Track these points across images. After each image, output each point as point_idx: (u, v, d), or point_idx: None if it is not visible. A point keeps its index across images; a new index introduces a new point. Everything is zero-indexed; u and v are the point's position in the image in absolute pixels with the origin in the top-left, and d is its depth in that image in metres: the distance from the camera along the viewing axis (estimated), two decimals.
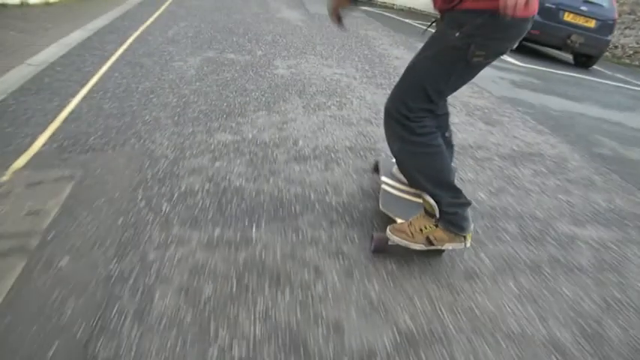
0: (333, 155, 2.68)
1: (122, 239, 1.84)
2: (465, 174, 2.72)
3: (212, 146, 2.65)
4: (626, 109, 5.63)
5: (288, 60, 4.88)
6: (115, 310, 1.49)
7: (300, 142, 2.79)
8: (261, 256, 1.79)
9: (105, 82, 3.72)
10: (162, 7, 7.95)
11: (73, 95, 3.36)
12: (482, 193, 2.53)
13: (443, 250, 1.90)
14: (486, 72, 5.51)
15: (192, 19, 6.97)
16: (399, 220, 1.91)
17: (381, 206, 2.02)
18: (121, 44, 5.07)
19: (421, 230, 1.76)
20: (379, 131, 3.13)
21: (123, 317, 1.46)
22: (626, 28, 12.41)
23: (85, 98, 3.32)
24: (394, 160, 2.05)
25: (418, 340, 1.51)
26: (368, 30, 7.44)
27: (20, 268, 1.65)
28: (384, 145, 2.91)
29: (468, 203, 1.75)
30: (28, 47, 4.79)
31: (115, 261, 1.72)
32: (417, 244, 1.78)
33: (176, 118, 3.03)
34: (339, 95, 3.81)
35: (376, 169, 2.47)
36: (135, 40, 5.28)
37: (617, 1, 10.80)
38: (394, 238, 1.81)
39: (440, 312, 1.64)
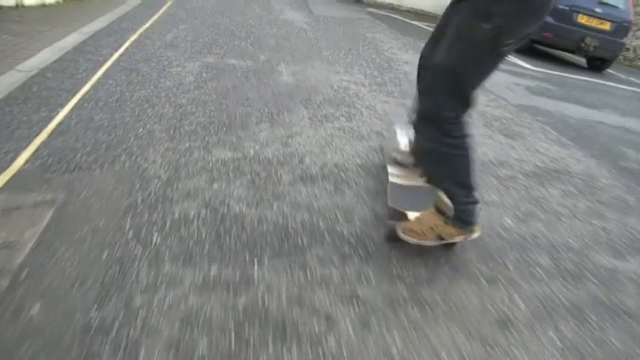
0: (343, 175, 2.46)
1: (105, 278, 1.62)
2: (488, 195, 2.49)
3: (210, 164, 2.43)
4: None
5: (292, 65, 4.66)
6: None
7: (307, 160, 2.57)
8: (263, 301, 1.57)
9: (98, 90, 3.50)
10: (162, 9, 7.74)
11: (63, 105, 3.15)
12: (509, 219, 2.30)
13: (454, 243, 1.91)
14: (501, 78, 5.28)
15: (192, 21, 6.76)
16: (410, 215, 1.92)
17: (389, 202, 2.02)
18: (117, 48, 4.86)
19: (432, 228, 1.80)
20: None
21: None
22: (638, 30, 12.15)
23: (75, 108, 3.11)
24: (397, 139, 2.22)
25: None
26: (375, 33, 7.21)
27: None
28: None
29: (477, 202, 1.81)
30: (20, 51, 4.58)
31: (95, 307, 1.50)
32: (428, 241, 1.83)
33: (172, 131, 2.81)
34: (348, 105, 3.58)
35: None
36: (132, 44, 5.08)
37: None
38: (405, 238, 1.84)
39: None
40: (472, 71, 1.61)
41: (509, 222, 2.28)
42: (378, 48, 6.08)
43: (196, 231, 1.91)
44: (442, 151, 1.71)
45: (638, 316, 1.78)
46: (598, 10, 7.95)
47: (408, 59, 5.53)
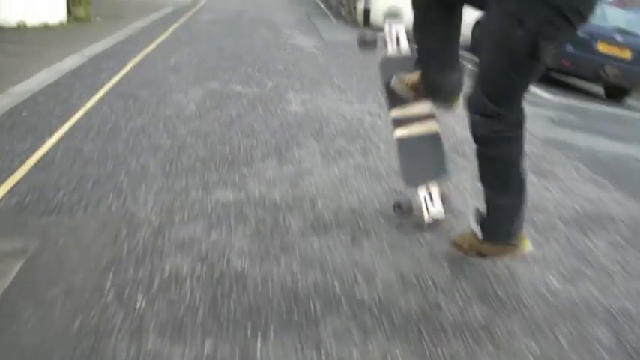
0: (361, 223, 2.18)
1: (74, 356, 1.34)
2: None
3: (209, 208, 2.16)
4: None
5: (302, 93, 4.44)
6: None
7: (319, 204, 2.29)
8: None
9: (91, 117, 3.28)
10: (168, 32, 7.64)
11: (51, 134, 2.91)
12: (555, 279, 2.00)
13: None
14: None
15: (197, 44, 6.62)
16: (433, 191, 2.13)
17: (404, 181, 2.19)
18: (117, 72, 4.67)
19: (471, 246, 1.92)
20: None
21: None
22: None
23: (63, 138, 2.87)
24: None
25: None
26: None
27: None
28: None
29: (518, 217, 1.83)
30: (15, 73, 4.40)
31: None
32: (471, 256, 1.95)
33: (168, 166, 2.56)
34: (363, 138, 3.32)
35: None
36: (133, 68, 4.89)
37: None
38: (455, 250, 1.97)
39: None
40: (515, 75, 1.60)
41: (555, 282, 1.98)
42: None
43: (189, 293, 1.62)
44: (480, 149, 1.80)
45: None
46: (618, 38, 7.76)
47: None
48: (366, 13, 12.52)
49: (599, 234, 2.50)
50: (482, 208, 1.90)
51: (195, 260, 1.80)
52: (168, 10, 11.11)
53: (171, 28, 8.14)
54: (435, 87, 2.12)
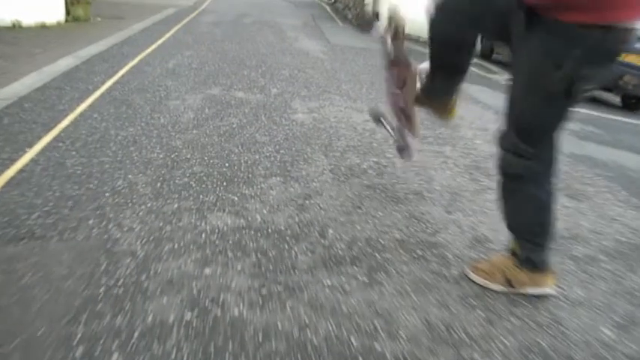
0: (378, 256, 1.90)
1: None
2: (569, 287, 1.91)
3: (203, 236, 1.89)
4: None
5: (308, 101, 4.17)
6: None
7: (330, 232, 2.01)
8: None
9: (78, 126, 3.02)
10: (168, 34, 7.40)
11: (32, 144, 2.65)
12: (607, 328, 1.72)
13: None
14: None
15: (199, 47, 6.38)
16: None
17: None
18: (111, 75, 4.42)
19: (502, 270, 1.79)
20: (436, 212, 2.35)
21: None
22: None
23: (45, 149, 2.61)
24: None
25: None
26: None
27: None
28: (446, 236, 2.13)
29: (549, 246, 1.77)
30: (2, 76, 4.16)
31: None
32: (495, 284, 1.79)
33: (159, 184, 2.29)
34: (376, 153, 3.05)
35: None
36: (129, 71, 4.65)
37: None
38: (473, 277, 1.83)
39: None
40: (550, 115, 1.59)
41: (609, 333, 1.70)
42: None
43: (175, 349, 1.35)
44: (510, 184, 1.74)
45: None
46: (638, 46, 7.49)
47: None
48: (374, 16, 12.30)
49: None
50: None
51: (184, 303, 1.52)
52: (170, 11, 10.90)
53: (173, 30, 7.91)
54: (437, 90, 2.15)
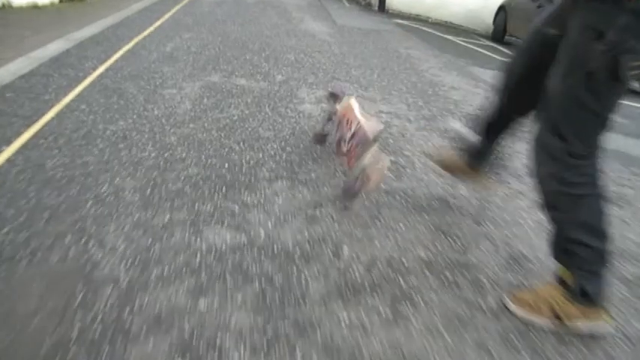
0: (401, 281, 1.63)
1: None
2: (625, 320, 1.64)
3: (197, 258, 1.63)
4: None
5: (316, 89, 3.87)
6: None
7: (345, 251, 1.75)
8: None
9: (63, 119, 2.75)
10: (168, 15, 7.06)
11: (9, 141, 2.40)
12: None
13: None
14: None
15: (199, 29, 6.05)
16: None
17: None
18: (104, 60, 4.13)
19: (549, 303, 1.54)
20: (464, 223, 2.07)
21: None
22: None
23: (24, 148, 2.36)
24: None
25: None
26: (409, 49, 6.42)
27: None
28: (478, 254, 1.86)
29: (607, 262, 1.52)
30: None
31: None
32: (541, 318, 1.53)
33: (149, 190, 2.03)
34: (394, 151, 2.76)
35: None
36: (123, 56, 4.35)
37: None
38: (515, 310, 1.56)
39: None
40: (595, 103, 1.38)
41: None
42: (416, 67, 5.28)
43: None
44: (566, 190, 1.49)
45: None
46: None
47: (454, 83, 4.71)
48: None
49: None
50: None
51: (173, 348, 1.27)
52: None
53: (173, 10, 7.56)
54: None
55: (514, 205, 2.31)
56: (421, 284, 1.63)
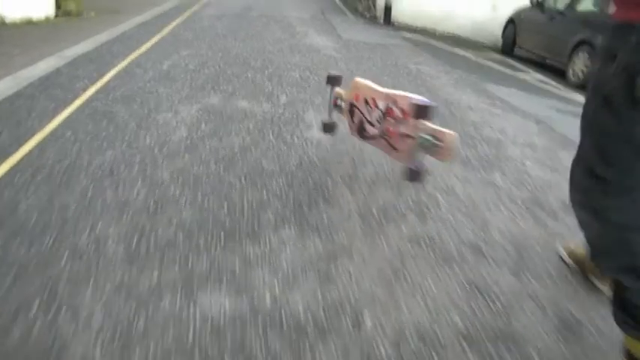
0: (436, 357, 1.36)
1: None
2: None
3: (189, 335, 1.36)
4: None
5: (324, 112, 3.61)
6: None
7: (367, 320, 1.47)
8: None
9: (45, 149, 2.51)
10: (166, 29, 6.88)
11: None
12: None
13: None
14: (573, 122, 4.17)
15: (198, 45, 5.84)
16: None
17: None
18: (95, 80, 3.92)
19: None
20: (502, 277, 1.80)
21: None
22: None
23: None
24: None
25: None
26: (419, 64, 6.19)
27: None
28: (523, 320, 1.58)
29: None
30: None
31: None
32: None
33: (135, 240, 1.77)
34: (415, 186, 2.49)
35: None
36: (117, 75, 4.13)
37: None
38: None
39: None
40: (618, 127, 1.26)
41: None
42: (428, 85, 5.04)
43: None
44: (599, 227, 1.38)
45: None
46: None
47: (470, 102, 4.47)
48: (387, 10, 11.67)
49: None
50: None
51: None
52: (171, 4, 10.38)
53: (172, 25, 7.39)
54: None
55: (554, 250, 2.03)
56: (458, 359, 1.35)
